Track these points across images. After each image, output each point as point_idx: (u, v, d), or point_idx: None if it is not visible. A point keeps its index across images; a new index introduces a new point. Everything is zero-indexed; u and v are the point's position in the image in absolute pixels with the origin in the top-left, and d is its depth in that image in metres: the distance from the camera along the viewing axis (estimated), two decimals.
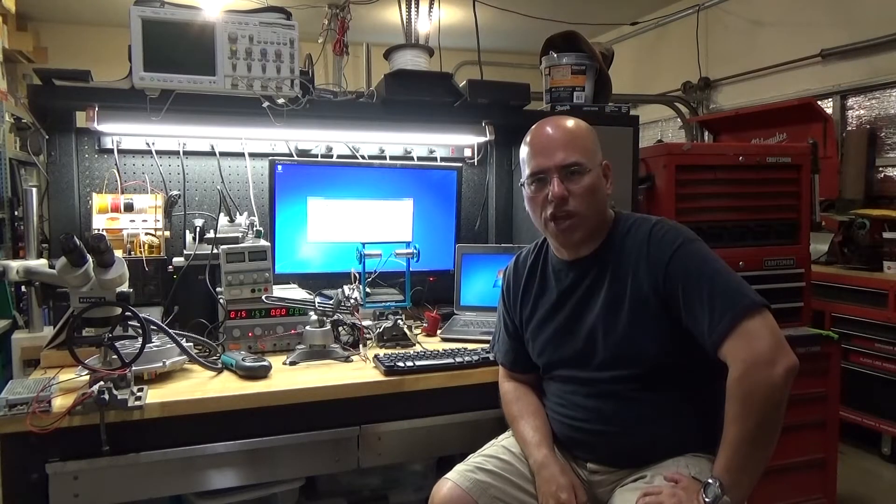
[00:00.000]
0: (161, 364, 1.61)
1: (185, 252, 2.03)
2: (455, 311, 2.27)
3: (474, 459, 1.53)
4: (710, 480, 1.27)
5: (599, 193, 1.46)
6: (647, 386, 1.41)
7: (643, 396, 1.42)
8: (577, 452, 1.51)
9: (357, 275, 2.08)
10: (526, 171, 1.50)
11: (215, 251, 1.92)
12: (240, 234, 1.97)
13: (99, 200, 2.04)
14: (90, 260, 1.54)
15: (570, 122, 1.50)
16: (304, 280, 2.21)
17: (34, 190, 1.96)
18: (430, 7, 2.79)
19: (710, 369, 1.35)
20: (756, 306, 1.29)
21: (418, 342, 1.99)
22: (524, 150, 1.51)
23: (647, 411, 1.42)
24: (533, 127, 1.53)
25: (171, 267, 1.98)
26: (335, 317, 1.91)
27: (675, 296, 1.36)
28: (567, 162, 1.43)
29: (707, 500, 1.25)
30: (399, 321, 1.99)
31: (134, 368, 1.51)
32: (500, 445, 1.57)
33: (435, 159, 2.51)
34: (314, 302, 1.91)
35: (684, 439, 1.42)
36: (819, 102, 4.13)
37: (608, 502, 1.44)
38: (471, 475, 1.47)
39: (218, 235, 1.95)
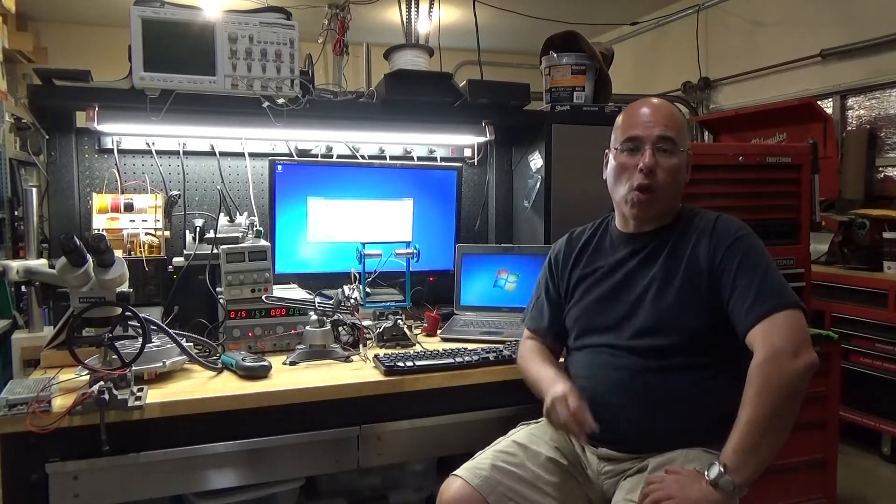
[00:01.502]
0: (161, 364, 1.61)
1: (185, 252, 2.03)
2: (455, 311, 2.27)
3: (484, 455, 1.53)
4: (715, 462, 1.29)
5: (680, 177, 1.53)
6: (678, 365, 1.44)
7: (671, 377, 1.43)
8: (594, 433, 1.51)
9: (357, 275, 2.08)
10: (620, 138, 1.54)
11: (215, 251, 1.91)
12: (240, 234, 1.97)
13: (99, 200, 2.04)
14: (90, 260, 1.54)
15: (669, 105, 1.57)
16: (304, 280, 2.21)
17: (34, 190, 1.96)
18: (430, 7, 2.79)
19: (740, 366, 1.38)
20: (795, 305, 1.37)
21: (418, 342, 1.99)
22: (620, 120, 1.57)
23: (672, 392, 1.44)
24: (633, 103, 1.59)
25: (171, 267, 1.98)
26: (335, 317, 1.91)
27: (727, 273, 1.43)
28: (663, 134, 1.49)
29: (710, 478, 1.27)
30: (399, 321, 1.99)
31: (134, 368, 1.51)
32: (511, 440, 1.57)
33: (435, 159, 2.51)
34: (314, 302, 1.91)
35: (700, 431, 1.43)
36: (819, 102, 4.12)
37: (614, 493, 1.44)
38: (480, 472, 1.47)
39: (218, 235, 1.95)
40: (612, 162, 1.57)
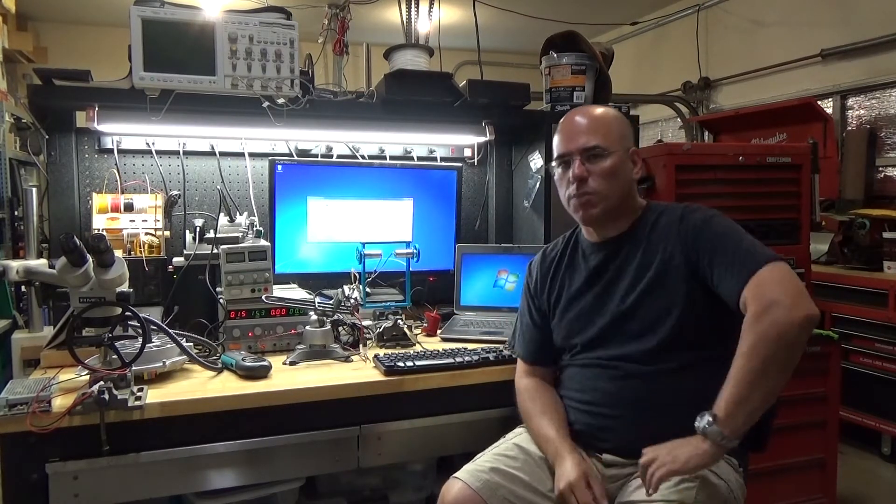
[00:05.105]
0: (161, 364, 1.61)
1: (185, 252, 2.03)
2: (455, 311, 2.27)
3: (485, 458, 1.52)
4: (706, 413, 1.30)
5: (621, 176, 1.53)
6: (671, 369, 1.44)
7: (666, 380, 1.43)
8: (595, 442, 1.51)
9: (357, 275, 2.08)
10: (555, 155, 1.59)
11: (215, 251, 1.91)
12: (240, 234, 1.97)
13: (99, 200, 2.04)
14: (90, 260, 1.54)
15: (598, 110, 1.59)
16: (304, 280, 2.21)
17: (34, 190, 1.96)
18: (430, 7, 2.79)
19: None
20: (776, 258, 1.35)
21: (418, 342, 1.99)
22: (555, 136, 1.60)
23: (670, 397, 1.43)
24: (565, 115, 1.62)
25: (171, 267, 1.98)
26: (335, 317, 1.91)
27: (703, 259, 1.42)
28: (588, 145, 1.51)
29: (698, 427, 1.29)
30: (399, 321, 1.99)
31: (134, 368, 1.51)
32: (511, 443, 1.56)
33: (435, 159, 2.51)
34: (314, 302, 1.91)
35: None
36: (819, 102, 4.12)
37: (620, 496, 1.44)
38: (481, 475, 1.46)
39: (218, 235, 1.95)
40: (554, 177, 1.62)
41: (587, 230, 1.61)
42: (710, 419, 1.28)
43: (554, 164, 1.59)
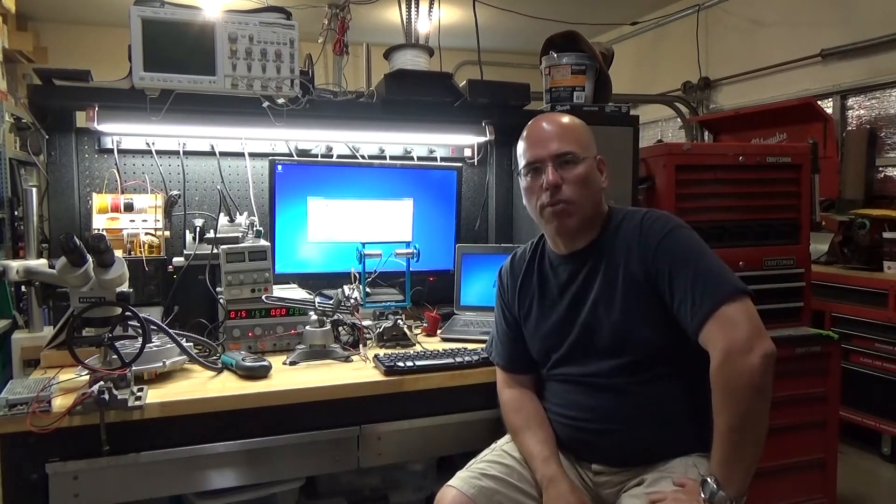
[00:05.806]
0: (161, 364, 1.61)
1: (185, 252, 2.03)
2: (455, 311, 2.27)
3: (477, 465, 1.52)
4: (707, 478, 1.29)
5: (593, 184, 1.50)
6: (648, 379, 1.42)
7: (644, 391, 1.42)
8: (582, 454, 1.51)
9: (357, 275, 2.08)
10: (522, 162, 1.55)
11: (215, 251, 1.92)
12: (240, 234, 1.97)
13: (99, 200, 2.04)
14: (90, 260, 1.54)
15: (565, 118, 1.56)
16: (304, 280, 2.21)
17: (34, 190, 1.96)
18: (430, 7, 2.79)
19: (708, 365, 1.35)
20: (736, 293, 1.31)
21: (418, 342, 1.99)
22: (520, 144, 1.57)
23: (650, 408, 1.42)
24: (529, 122, 1.59)
25: (171, 267, 1.98)
26: (335, 317, 1.91)
27: (661, 277, 1.39)
28: (561, 151, 1.47)
29: (704, 497, 1.27)
30: (399, 321, 1.99)
31: (134, 368, 1.51)
32: (502, 450, 1.56)
33: (435, 159, 2.51)
34: (314, 302, 1.91)
35: (688, 438, 1.42)
36: (819, 102, 4.13)
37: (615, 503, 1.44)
38: (475, 481, 1.46)
39: (218, 235, 1.95)
40: (522, 185, 1.56)
41: (554, 242, 1.56)
42: (715, 486, 1.27)
43: (522, 171, 1.55)
